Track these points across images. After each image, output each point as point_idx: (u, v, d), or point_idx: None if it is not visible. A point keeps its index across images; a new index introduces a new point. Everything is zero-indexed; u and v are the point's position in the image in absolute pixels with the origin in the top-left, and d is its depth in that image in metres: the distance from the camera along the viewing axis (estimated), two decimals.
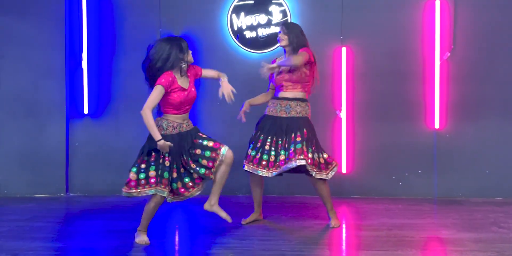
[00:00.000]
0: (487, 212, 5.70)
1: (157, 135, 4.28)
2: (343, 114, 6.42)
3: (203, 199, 4.79)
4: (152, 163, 4.39)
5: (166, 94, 4.37)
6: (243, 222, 5.21)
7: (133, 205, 5.74)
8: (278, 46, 6.36)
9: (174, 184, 4.45)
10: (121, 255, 4.30)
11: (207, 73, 4.74)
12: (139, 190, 4.37)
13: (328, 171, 4.99)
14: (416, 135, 6.42)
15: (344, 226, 5.19)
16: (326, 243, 4.70)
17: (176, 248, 4.61)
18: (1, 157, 6.51)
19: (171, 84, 4.36)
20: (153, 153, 4.39)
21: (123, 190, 4.38)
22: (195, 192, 4.57)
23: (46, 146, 6.49)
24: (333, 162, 5.07)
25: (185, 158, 4.45)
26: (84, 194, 6.61)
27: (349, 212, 5.90)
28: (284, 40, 5.01)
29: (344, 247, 4.60)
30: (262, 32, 6.45)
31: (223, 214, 4.67)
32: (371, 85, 6.41)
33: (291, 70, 4.94)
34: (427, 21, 6.35)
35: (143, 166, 4.38)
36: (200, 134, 4.59)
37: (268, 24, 6.45)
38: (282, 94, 5.04)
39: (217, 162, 4.52)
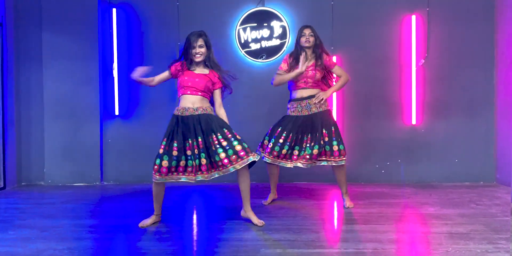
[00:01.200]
0: (461, 193, 5.09)
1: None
2: (334, 113, 5.82)
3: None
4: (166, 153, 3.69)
5: (177, 78, 3.94)
6: (264, 203, 4.58)
7: None
8: (278, 56, 5.82)
9: (190, 162, 3.71)
10: (145, 229, 3.70)
11: (216, 95, 3.99)
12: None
13: (343, 157, 4.35)
14: (396, 130, 5.91)
15: (339, 204, 4.55)
16: (325, 219, 4.06)
17: (194, 224, 3.96)
18: (47, 151, 5.99)
19: (176, 67, 3.93)
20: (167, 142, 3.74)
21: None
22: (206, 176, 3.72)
23: (84, 142, 5.97)
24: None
25: (198, 140, 3.71)
26: (116, 183, 6.04)
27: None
28: (311, 41, 4.40)
29: (343, 221, 3.95)
30: (265, 44, 5.86)
31: (254, 220, 3.82)
32: (357, 88, 5.88)
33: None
34: (404, 33, 5.86)
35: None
36: (226, 131, 3.76)
37: (270, 37, 5.86)
38: None
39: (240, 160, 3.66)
